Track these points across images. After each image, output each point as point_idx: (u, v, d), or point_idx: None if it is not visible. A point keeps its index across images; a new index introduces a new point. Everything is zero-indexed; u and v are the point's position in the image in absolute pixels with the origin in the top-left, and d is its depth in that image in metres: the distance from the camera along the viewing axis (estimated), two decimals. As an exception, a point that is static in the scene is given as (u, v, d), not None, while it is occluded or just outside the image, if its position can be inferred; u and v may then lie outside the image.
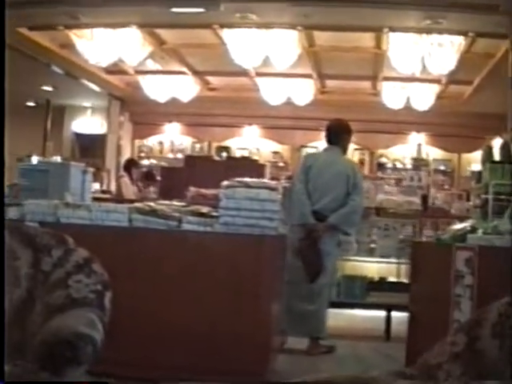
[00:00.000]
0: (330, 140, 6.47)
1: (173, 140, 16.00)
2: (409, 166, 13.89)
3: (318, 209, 6.17)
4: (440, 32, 8.81)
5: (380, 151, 15.09)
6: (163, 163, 14.82)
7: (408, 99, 12.28)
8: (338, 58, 11.07)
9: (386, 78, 11.92)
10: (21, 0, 8.22)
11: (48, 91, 14.96)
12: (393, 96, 12.33)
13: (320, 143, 14.90)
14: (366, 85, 13.31)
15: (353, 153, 15.06)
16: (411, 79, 11.10)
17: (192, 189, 7.80)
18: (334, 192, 6.22)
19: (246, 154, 15.02)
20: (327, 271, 6.17)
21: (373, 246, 7.30)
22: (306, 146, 15.18)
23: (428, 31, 8.81)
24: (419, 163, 10.29)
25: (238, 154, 15.14)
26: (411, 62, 9.21)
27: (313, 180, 6.23)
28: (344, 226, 6.27)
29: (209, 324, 4.83)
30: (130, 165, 11.16)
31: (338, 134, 6.46)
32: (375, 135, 14.63)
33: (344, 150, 6.59)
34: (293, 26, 9.12)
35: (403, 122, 13.74)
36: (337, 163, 6.39)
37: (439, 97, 12.50)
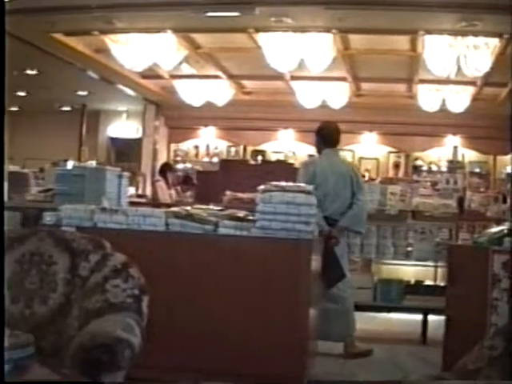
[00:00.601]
0: (326, 143, 6.48)
1: (208, 144, 16.02)
2: (444, 168, 13.72)
3: (329, 214, 6.16)
4: (475, 34, 8.73)
5: (415, 154, 14.98)
6: (198, 167, 14.84)
7: (443, 101, 12.17)
8: (373, 61, 11.01)
9: (422, 81, 11.82)
10: (56, 6, 8.30)
11: (83, 96, 15.07)
12: (428, 98, 12.22)
13: (355, 146, 14.94)
14: (402, 87, 13.22)
15: (388, 155, 15.01)
16: (446, 81, 11.00)
17: (228, 193, 7.80)
18: (342, 195, 6.22)
19: (281, 157, 14.99)
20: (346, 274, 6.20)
21: (409, 249, 7.23)
22: (341, 149, 15.08)
23: (463, 33, 8.73)
24: (455, 166, 10.17)
25: (273, 157, 15.12)
26: (446, 65, 9.13)
27: (321, 186, 6.12)
28: (355, 226, 6.33)
29: (245, 328, 4.83)
30: (166, 169, 11.20)
31: (332, 137, 6.50)
32: (411, 138, 14.54)
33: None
34: (327, 30, 9.09)
35: (439, 124, 13.60)
36: (339, 166, 6.46)
37: (474, 99, 12.37)
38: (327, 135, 6.49)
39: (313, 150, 14.77)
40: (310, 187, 5.28)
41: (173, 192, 10.89)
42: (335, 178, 6.24)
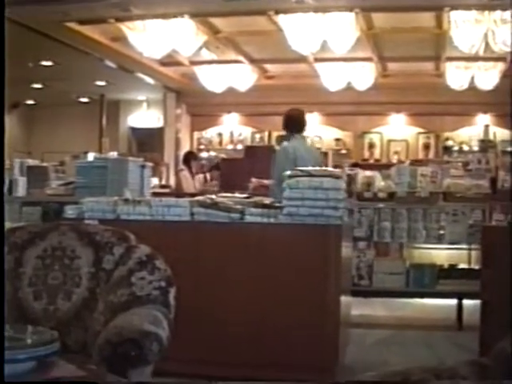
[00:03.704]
0: (295, 129, 6.79)
1: (232, 131, 15.92)
2: (475, 148, 13.51)
3: None
4: (503, 8, 8.52)
5: (446, 134, 14.78)
6: (223, 155, 14.73)
7: (472, 79, 11.97)
8: (398, 40, 10.86)
9: (449, 59, 11.65)
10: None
11: (101, 86, 15.04)
12: (457, 76, 12.06)
13: (383, 128, 14.82)
14: (429, 66, 13.07)
15: (417, 137, 14.82)
16: (475, 58, 10.82)
17: (253, 180, 7.71)
18: None
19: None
20: None
21: (441, 232, 7.08)
22: (368, 132, 14.99)
23: (490, 8, 8.53)
24: (486, 145, 9.98)
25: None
26: (474, 41, 8.94)
27: None
28: None
29: (274, 318, 4.79)
30: (190, 158, 11.13)
31: (302, 122, 6.85)
32: (440, 118, 14.36)
33: None
34: (350, 9, 8.93)
35: (468, 103, 13.40)
36: (311, 150, 6.91)
37: (504, 75, 12.12)
38: (299, 121, 6.81)
39: (339, 134, 15.01)
40: (337, 171, 5.22)
41: (198, 180, 10.83)
42: (312, 162, 6.29)
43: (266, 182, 7.54)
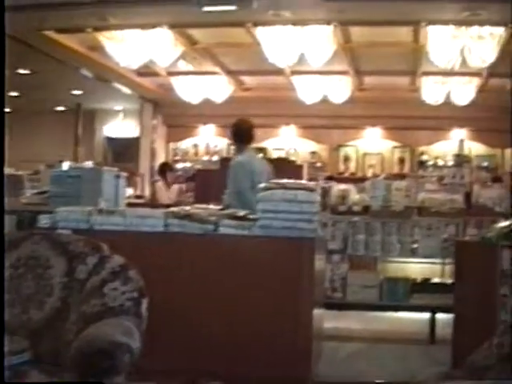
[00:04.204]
0: (245, 140, 6.62)
1: (208, 142, 15.93)
2: (450, 162, 13.61)
3: None
4: (480, 24, 8.61)
5: (421, 148, 14.89)
6: (198, 166, 14.71)
7: (448, 94, 12.06)
8: (375, 54, 10.93)
9: (425, 73, 11.74)
10: (47, 2, 8.17)
11: (78, 95, 14.99)
12: (433, 91, 12.16)
13: (359, 142, 14.89)
14: (405, 80, 13.16)
15: (393, 150, 14.89)
16: (451, 73, 10.89)
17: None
18: None
19: (282, 154, 14.87)
20: None
21: (415, 246, 7.10)
22: (344, 145, 15.04)
23: (467, 23, 8.61)
24: (461, 160, 10.08)
25: (274, 154, 14.99)
26: (450, 56, 9.02)
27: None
28: None
29: (247, 329, 4.76)
30: (165, 169, 11.10)
31: (253, 134, 6.67)
32: (415, 132, 14.48)
33: None
34: (328, 22, 8.99)
35: (444, 117, 13.49)
36: (262, 163, 6.76)
37: (480, 90, 12.26)
38: (247, 133, 6.64)
39: (314, 147, 15.04)
40: (312, 184, 5.25)
41: (174, 191, 10.80)
42: (265, 176, 6.22)
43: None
